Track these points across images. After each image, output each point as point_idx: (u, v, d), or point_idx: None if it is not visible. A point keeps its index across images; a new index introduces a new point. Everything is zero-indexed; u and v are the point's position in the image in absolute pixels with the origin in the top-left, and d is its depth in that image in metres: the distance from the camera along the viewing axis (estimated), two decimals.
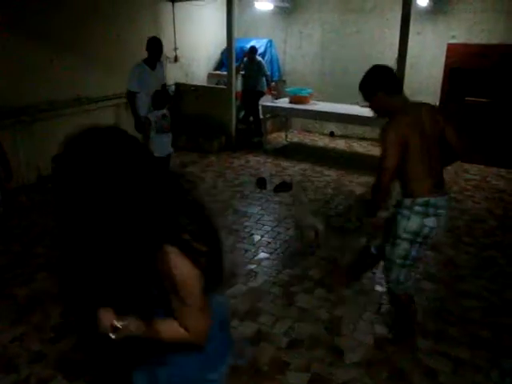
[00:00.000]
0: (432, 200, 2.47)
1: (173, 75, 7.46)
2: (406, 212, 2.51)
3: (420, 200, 2.47)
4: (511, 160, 6.49)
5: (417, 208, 2.48)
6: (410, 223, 2.50)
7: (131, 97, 4.94)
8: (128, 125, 6.65)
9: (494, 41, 6.70)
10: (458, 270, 3.73)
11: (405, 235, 2.53)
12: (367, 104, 2.66)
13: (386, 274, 2.75)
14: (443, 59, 6.66)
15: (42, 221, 4.54)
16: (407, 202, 2.50)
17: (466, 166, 6.53)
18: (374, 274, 3.59)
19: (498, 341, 2.89)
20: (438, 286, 3.50)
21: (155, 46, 4.87)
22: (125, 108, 6.64)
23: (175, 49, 7.46)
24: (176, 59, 7.51)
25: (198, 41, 7.94)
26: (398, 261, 2.61)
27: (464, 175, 6.25)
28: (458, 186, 5.77)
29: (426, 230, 2.50)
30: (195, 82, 7.62)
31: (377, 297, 3.34)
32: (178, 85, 7.40)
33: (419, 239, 2.53)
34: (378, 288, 3.44)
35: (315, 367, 2.63)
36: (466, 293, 3.42)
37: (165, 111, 4.68)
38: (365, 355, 2.74)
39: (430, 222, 2.49)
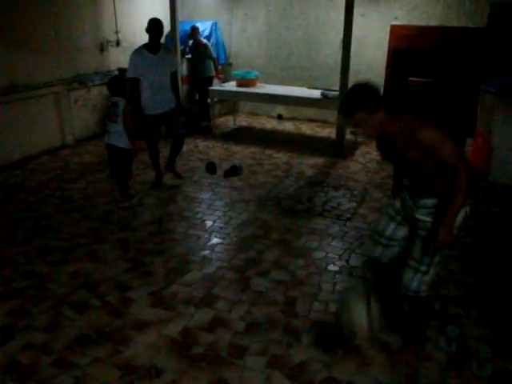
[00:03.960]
0: None
1: (115, 60, 7.17)
2: None
3: None
4: (452, 138, 6.75)
5: None
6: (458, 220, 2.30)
7: (131, 84, 4.56)
8: (71, 114, 6.40)
9: (433, 23, 6.90)
10: None
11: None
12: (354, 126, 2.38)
13: (421, 279, 2.42)
14: (387, 41, 6.78)
15: None
16: None
17: None
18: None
19: (445, 311, 3.03)
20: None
21: (154, 28, 4.52)
22: (66, 96, 6.34)
23: (116, 32, 7.15)
24: (118, 43, 7.21)
25: (141, 24, 7.55)
26: (438, 259, 2.43)
27: None
28: None
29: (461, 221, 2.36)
30: None
31: (331, 276, 3.39)
32: (120, 70, 7.11)
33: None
34: (332, 267, 3.50)
35: (273, 350, 2.64)
36: None
37: (118, 99, 4.27)
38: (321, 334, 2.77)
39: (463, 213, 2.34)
